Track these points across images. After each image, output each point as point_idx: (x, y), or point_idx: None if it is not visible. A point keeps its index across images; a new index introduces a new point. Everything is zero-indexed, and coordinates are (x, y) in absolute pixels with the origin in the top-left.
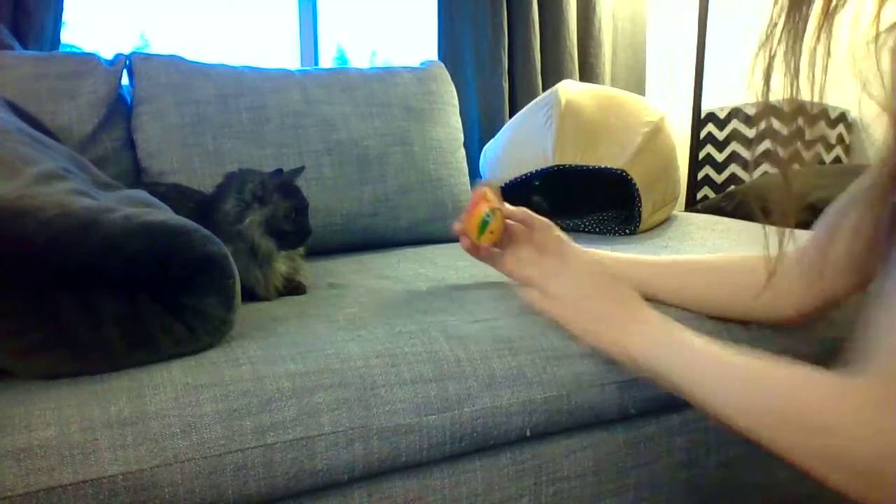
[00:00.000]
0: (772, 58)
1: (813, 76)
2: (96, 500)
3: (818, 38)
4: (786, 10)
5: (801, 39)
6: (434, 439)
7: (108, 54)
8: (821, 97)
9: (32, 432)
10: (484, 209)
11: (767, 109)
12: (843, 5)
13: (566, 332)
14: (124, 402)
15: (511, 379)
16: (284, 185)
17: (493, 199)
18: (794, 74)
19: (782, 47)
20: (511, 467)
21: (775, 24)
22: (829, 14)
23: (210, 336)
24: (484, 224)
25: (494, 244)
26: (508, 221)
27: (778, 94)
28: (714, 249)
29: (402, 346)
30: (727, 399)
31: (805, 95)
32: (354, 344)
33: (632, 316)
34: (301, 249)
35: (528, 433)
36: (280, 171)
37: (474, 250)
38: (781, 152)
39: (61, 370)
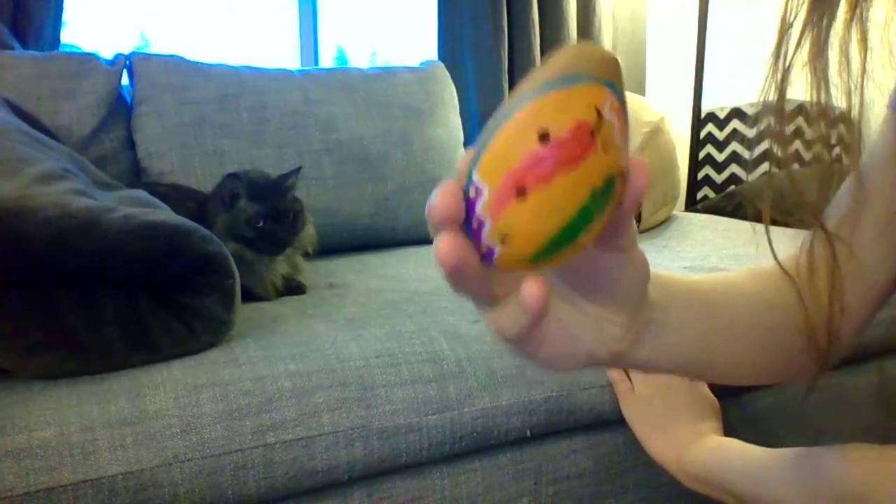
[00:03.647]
0: (790, 59)
1: (849, 77)
2: (96, 500)
3: (847, 31)
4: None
5: (828, 35)
6: (434, 439)
7: (108, 54)
8: (860, 103)
9: (32, 432)
10: (597, 177)
11: (795, 111)
12: None
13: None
14: (124, 402)
15: (511, 379)
16: (261, 190)
17: (620, 139)
18: (822, 77)
19: (805, 46)
20: (511, 467)
21: (794, 17)
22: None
23: (210, 336)
24: (583, 219)
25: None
26: None
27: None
28: (714, 249)
29: (402, 346)
30: (791, 492)
31: (838, 101)
32: (354, 344)
33: (691, 435)
34: (300, 249)
35: (528, 433)
36: (265, 174)
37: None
38: (782, 153)
39: (61, 370)
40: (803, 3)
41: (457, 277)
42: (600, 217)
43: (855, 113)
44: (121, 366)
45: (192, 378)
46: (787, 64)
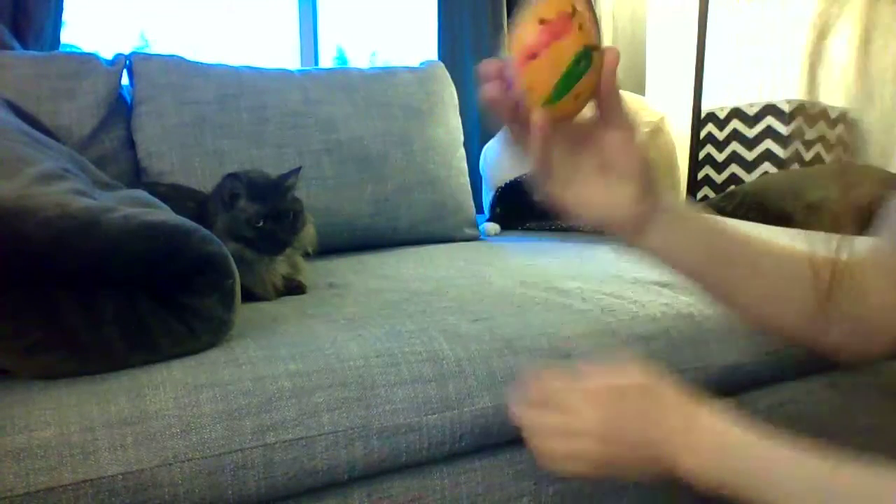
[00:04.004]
0: (820, 48)
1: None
2: (96, 500)
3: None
4: None
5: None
6: (434, 439)
7: (108, 54)
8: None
9: (32, 432)
10: (577, 45)
11: (819, 112)
12: None
13: (589, 472)
14: (124, 402)
15: (511, 378)
16: (261, 190)
17: (591, 26)
18: (861, 70)
19: (838, 32)
20: (511, 467)
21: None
22: None
23: (210, 336)
24: (572, 76)
25: (567, 117)
26: None
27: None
28: None
29: (402, 345)
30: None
31: (882, 99)
32: (354, 344)
33: (680, 427)
34: (300, 249)
35: None
36: (265, 174)
37: (518, 119)
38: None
39: (61, 370)
40: None
41: (498, 112)
42: (586, 76)
43: (885, 106)
44: (121, 366)
45: (192, 378)
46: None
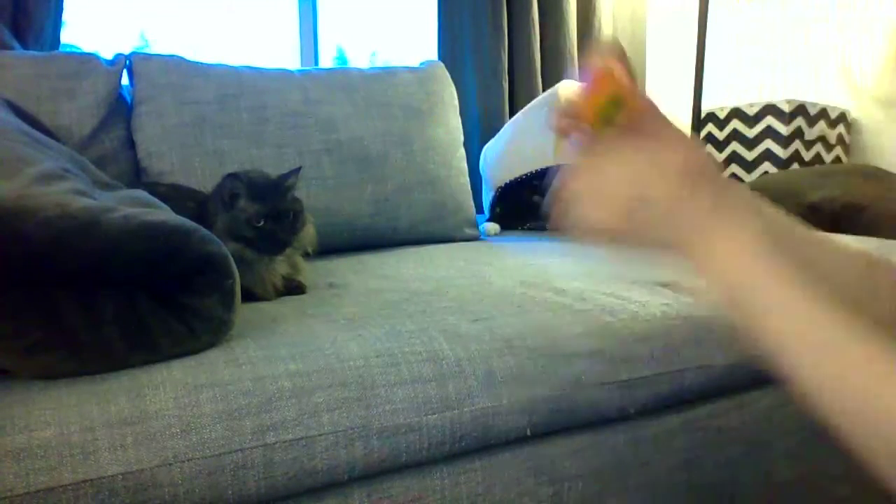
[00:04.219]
0: None
1: None
2: (96, 500)
3: None
4: None
5: None
6: (434, 439)
7: (108, 54)
8: None
9: (32, 432)
10: (607, 91)
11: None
12: None
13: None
14: (124, 402)
15: (511, 378)
16: (261, 190)
17: (624, 79)
18: None
19: None
20: (511, 467)
21: None
22: None
23: (210, 336)
24: (608, 111)
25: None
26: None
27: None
28: None
29: (402, 345)
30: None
31: None
32: (354, 344)
33: (714, 203)
34: (300, 249)
35: (528, 433)
36: (265, 174)
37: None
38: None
39: (61, 370)
40: None
41: (571, 133)
42: (620, 113)
43: None
44: (121, 366)
45: (192, 378)
46: None
